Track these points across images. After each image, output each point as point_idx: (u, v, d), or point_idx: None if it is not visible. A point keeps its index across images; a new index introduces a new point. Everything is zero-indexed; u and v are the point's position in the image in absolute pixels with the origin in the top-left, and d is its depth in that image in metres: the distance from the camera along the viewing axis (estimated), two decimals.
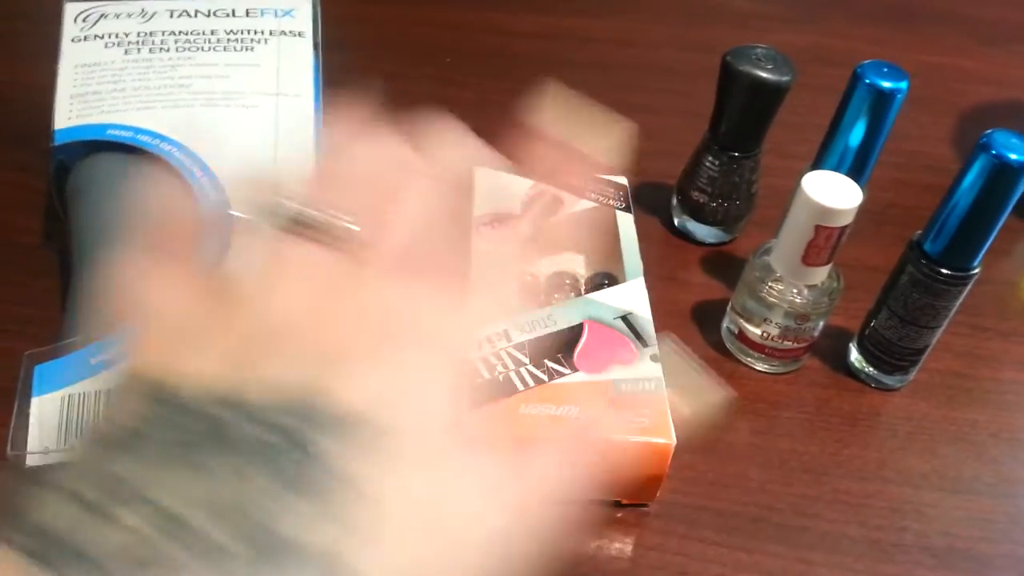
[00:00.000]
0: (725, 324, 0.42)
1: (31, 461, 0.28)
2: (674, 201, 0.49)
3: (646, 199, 0.50)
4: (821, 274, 0.38)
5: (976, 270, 0.36)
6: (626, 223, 0.43)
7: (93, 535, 0.15)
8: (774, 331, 0.39)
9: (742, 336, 0.41)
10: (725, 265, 0.47)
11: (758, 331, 0.40)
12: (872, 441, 0.39)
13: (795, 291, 0.38)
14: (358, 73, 0.60)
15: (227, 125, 0.37)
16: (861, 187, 0.38)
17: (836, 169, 0.39)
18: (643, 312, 0.38)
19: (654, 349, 0.36)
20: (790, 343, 0.40)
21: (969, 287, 0.37)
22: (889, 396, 0.41)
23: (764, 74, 0.42)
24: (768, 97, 0.43)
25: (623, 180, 0.45)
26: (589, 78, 0.64)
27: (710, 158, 0.45)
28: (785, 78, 0.42)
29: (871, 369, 0.41)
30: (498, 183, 0.44)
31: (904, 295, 0.38)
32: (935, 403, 0.41)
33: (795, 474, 0.37)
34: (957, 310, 0.38)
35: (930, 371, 0.42)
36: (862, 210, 0.39)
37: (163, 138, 0.36)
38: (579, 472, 0.23)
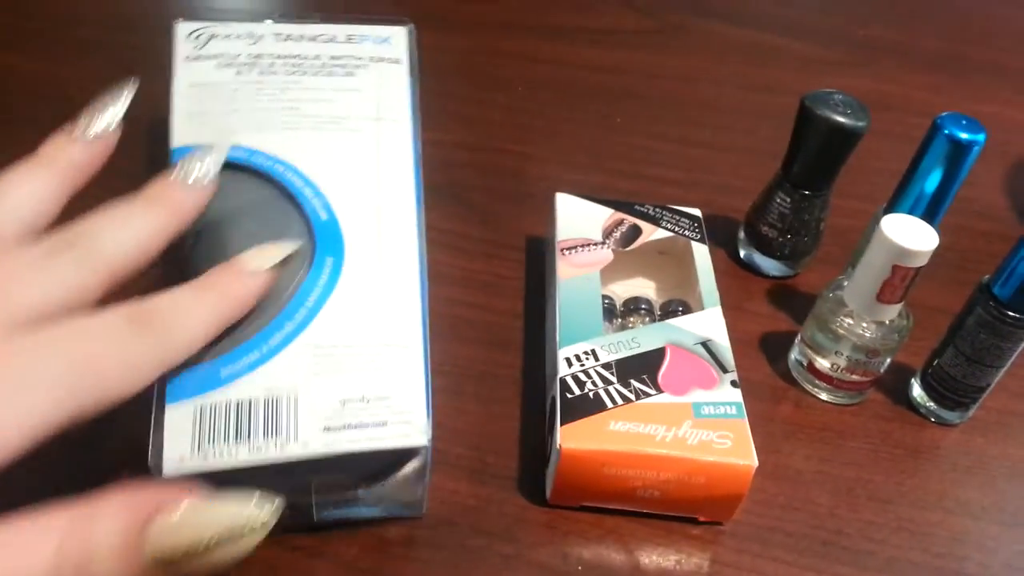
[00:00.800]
0: (793, 355, 0.44)
1: (167, 469, 0.29)
2: (741, 234, 0.51)
3: (709, 230, 0.52)
4: (892, 312, 0.40)
5: None
6: (701, 254, 0.45)
7: None
8: (843, 363, 0.41)
9: (811, 367, 0.43)
10: (790, 298, 0.49)
11: (827, 363, 0.42)
12: (933, 473, 0.41)
13: (865, 326, 0.40)
14: (436, 98, 0.63)
15: (334, 148, 0.39)
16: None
17: (910, 213, 0.41)
18: (722, 340, 0.40)
19: (734, 375, 0.38)
20: (857, 376, 0.42)
21: None
22: (948, 431, 0.43)
23: (841, 119, 0.44)
24: (843, 141, 0.45)
25: (697, 212, 0.48)
26: (655, 113, 0.67)
27: (782, 195, 0.48)
28: (861, 123, 0.44)
29: (932, 404, 0.43)
30: (579, 210, 0.46)
31: (971, 335, 0.40)
32: (992, 439, 0.43)
33: (861, 501, 0.39)
34: (1020, 351, 0.40)
35: (987, 409, 0.44)
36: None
37: (277, 160, 0.38)
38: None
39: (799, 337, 0.44)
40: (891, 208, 0.43)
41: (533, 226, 0.51)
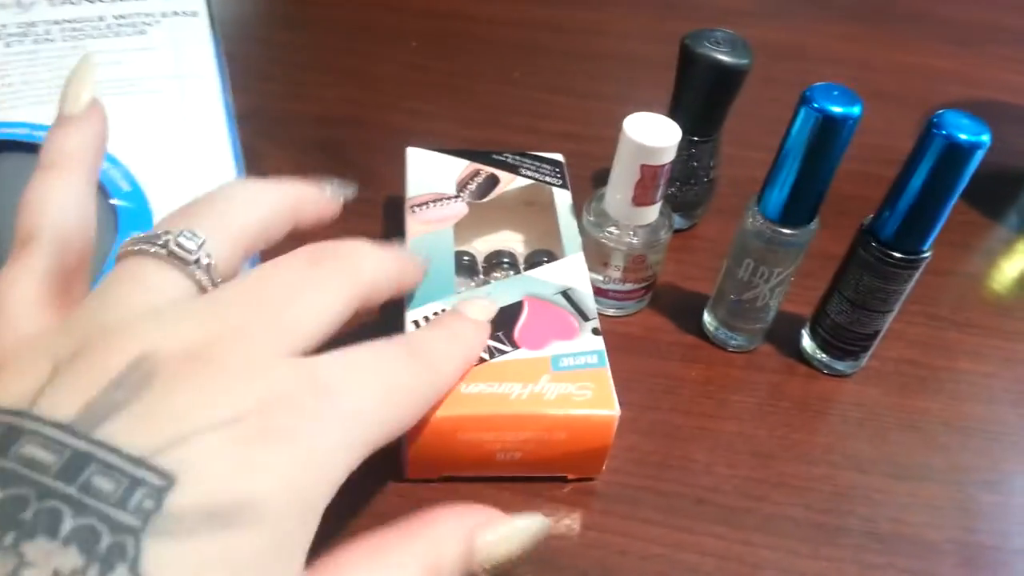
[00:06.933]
0: None
1: None
2: None
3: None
4: (652, 213, 0.40)
5: (927, 254, 0.36)
6: (563, 200, 0.42)
7: None
8: (616, 274, 0.41)
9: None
10: (686, 251, 0.47)
11: (600, 277, 0.41)
12: (821, 426, 0.39)
13: (631, 233, 0.40)
14: (323, 52, 0.60)
15: (130, 113, 0.35)
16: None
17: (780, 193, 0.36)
18: (583, 287, 0.37)
19: (595, 323, 0.36)
20: (632, 284, 0.41)
21: (920, 271, 0.36)
22: (840, 382, 0.41)
23: (723, 57, 0.41)
24: (727, 81, 0.42)
25: (559, 157, 0.45)
26: (560, 65, 0.64)
27: None
28: (744, 61, 0.42)
29: (822, 355, 0.41)
30: (431, 163, 0.43)
31: (855, 279, 0.37)
32: (886, 390, 0.41)
33: (741, 457, 0.37)
34: (909, 297, 0.38)
35: (883, 359, 0.42)
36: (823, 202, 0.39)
37: None
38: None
39: None
40: (763, 190, 0.38)
41: None
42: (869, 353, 0.40)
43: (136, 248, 0.24)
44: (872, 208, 0.39)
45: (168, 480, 0.19)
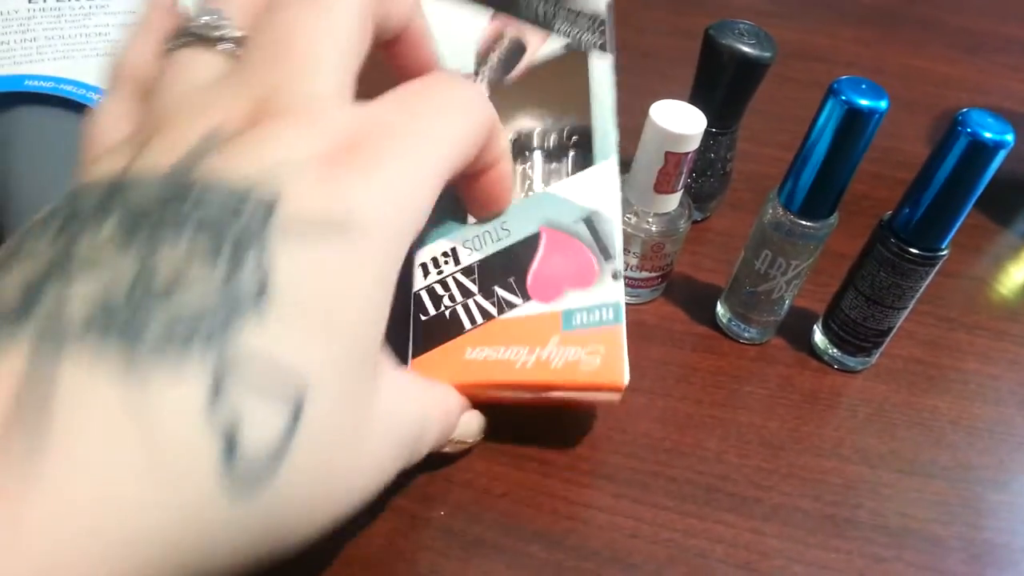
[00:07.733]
0: None
1: None
2: None
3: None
4: (672, 202, 0.40)
5: (944, 252, 0.36)
6: (601, 71, 0.35)
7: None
8: (633, 262, 0.41)
9: None
10: (700, 243, 0.47)
11: None
12: (831, 420, 0.39)
13: (650, 220, 0.40)
14: None
15: None
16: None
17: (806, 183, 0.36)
18: (610, 209, 0.33)
19: (618, 263, 0.32)
20: (648, 272, 0.41)
21: (936, 269, 0.37)
22: (851, 378, 0.41)
23: (746, 49, 0.41)
24: (749, 73, 0.42)
25: (600, 8, 0.36)
26: None
27: None
28: (767, 54, 0.42)
29: (834, 350, 0.41)
30: (446, 22, 0.34)
31: (871, 275, 0.38)
32: (896, 387, 0.41)
33: (752, 447, 0.37)
34: (921, 298, 0.38)
35: (893, 356, 0.42)
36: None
37: (89, 87, 0.34)
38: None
39: None
40: (785, 180, 0.38)
41: None
42: (880, 350, 0.41)
43: (171, 45, 0.25)
44: (883, 209, 0.39)
45: (273, 195, 0.21)
